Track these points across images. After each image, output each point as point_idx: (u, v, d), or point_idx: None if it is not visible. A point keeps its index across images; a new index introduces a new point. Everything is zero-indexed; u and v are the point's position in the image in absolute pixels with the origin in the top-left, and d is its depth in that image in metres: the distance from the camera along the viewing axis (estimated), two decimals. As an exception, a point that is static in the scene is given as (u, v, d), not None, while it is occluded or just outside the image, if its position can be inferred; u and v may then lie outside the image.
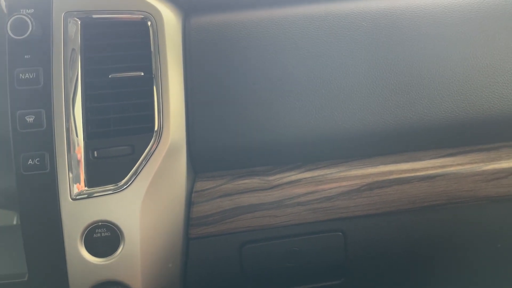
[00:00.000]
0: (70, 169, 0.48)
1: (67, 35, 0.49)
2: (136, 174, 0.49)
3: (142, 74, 0.50)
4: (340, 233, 0.55)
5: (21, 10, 0.48)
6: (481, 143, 0.55)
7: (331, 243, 0.55)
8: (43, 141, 0.48)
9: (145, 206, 0.49)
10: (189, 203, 0.53)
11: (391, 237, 0.55)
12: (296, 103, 0.53)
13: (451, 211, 0.54)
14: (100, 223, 0.48)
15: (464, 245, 0.56)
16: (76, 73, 0.49)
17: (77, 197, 0.48)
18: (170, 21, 0.52)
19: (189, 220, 0.53)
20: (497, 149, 0.55)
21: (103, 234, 0.48)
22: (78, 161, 0.49)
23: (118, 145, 0.50)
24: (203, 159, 0.54)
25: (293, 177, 0.54)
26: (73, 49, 0.49)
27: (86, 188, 0.49)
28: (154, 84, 0.50)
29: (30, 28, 0.47)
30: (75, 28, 0.49)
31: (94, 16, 0.50)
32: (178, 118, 0.51)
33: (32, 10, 0.49)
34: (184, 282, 0.54)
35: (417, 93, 0.53)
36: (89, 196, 0.48)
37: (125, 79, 0.50)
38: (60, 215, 0.48)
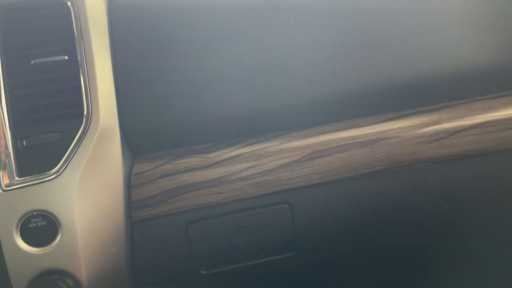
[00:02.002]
0: (-2, 159, 0.47)
1: (-16, 22, 0.47)
2: (68, 160, 0.48)
3: (66, 58, 0.49)
4: (286, 205, 0.54)
5: None
6: (422, 105, 0.55)
7: (278, 215, 0.54)
8: (-32, 133, 0.47)
9: (80, 193, 0.48)
10: (129, 186, 0.52)
11: (337, 206, 0.55)
12: (231, 78, 0.52)
13: (395, 176, 0.54)
14: (35, 213, 0.48)
15: (412, 208, 0.56)
16: (-3, 61, 0.48)
17: (8, 188, 0.47)
18: (93, 0, 0.50)
19: (130, 203, 0.52)
20: (438, 110, 0.55)
21: (39, 224, 0.48)
22: (7, 151, 0.48)
23: (48, 132, 0.49)
24: (139, 141, 0.53)
25: (233, 153, 0.53)
26: (-9, 36, 0.48)
27: (17, 178, 0.48)
28: (80, 67, 0.49)
29: None
30: (-9, 14, 0.48)
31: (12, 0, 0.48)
32: (108, 101, 0.50)
33: None
34: (132, 265, 0.54)
35: (352, 60, 0.52)
36: (21, 186, 0.47)
37: (49, 64, 0.49)
38: (-8, 207, 0.47)
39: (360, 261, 0.58)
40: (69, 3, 0.49)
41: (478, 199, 0.55)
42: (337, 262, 0.59)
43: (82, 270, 0.49)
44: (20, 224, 0.47)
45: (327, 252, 0.58)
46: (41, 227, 0.48)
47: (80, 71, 0.49)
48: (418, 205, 0.55)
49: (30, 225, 0.48)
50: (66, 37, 0.49)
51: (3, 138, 0.47)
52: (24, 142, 0.48)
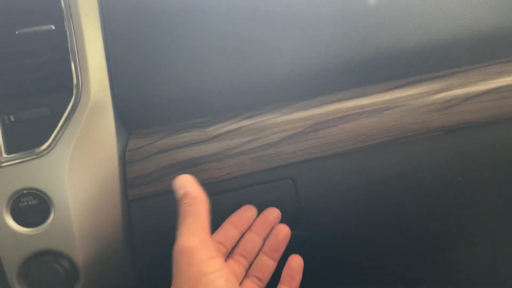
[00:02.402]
0: (-15, 136, 0.45)
1: (-36, -10, 0.45)
2: (58, 136, 0.46)
3: (53, 27, 0.46)
4: (290, 180, 0.52)
5: None
6: (432, 71, 0.52)
7: (281, 192, 0.52)
8: (-48, 109, 0.44)
9: (72, 170, 0.46)
10: (124, 163, 0.50)
11: (343, 180, 0.52)
12: (228, 48, 0.49)
13: (404, 147, 0.51)
14: (25, 191, 0.45)
15: (422, 181, 0.53)
16: (-20, 32, 0.45)
17: (-4, 165, 0.45)
18: (80, -34, 0.47)
19: (126, 181, 0.50)
20: (449, 76, 0.51)
21: (30, 203, 0.46)
22: (-6, 127, 0.45)
23: (36, 107, 0.46)
24: (134, 115, 0.50)
25: (233, 126, 0.50)
26: (-27, 6, 0.45)
27: (5, 155, 0.45)
28: (68, 37, 0.46)
29: None
30: (-28, -18, 0.45)
31: (-7, -33, 0.46)
32: (99, 73, 0.48)
33: None
34: (130, 244, 0.52)
35: (357, 25, 0.49)
36: (10, 163, 0.45)
37: (36, 35, 0.46)
38: (-20, 186, 0.45)
39: (369, 237, 0.56)
40: (54, -31, 0.46)
41: (492, 169, 0.52)
42: (343, 240, 0.56)
43: (77, 250, 0.47)
44: (10, 203, 0.45)
45: (332, 229, 0.55)
46: (33, 206, 0.45)
47: (68, 42, 0.46)
48: (429, 177, 0.52)
49: (21, 204, 0.45)
50: (53, 6, 0.46)
51: (-11, 113, 0.45)
52: (12, 117, 0.46)
